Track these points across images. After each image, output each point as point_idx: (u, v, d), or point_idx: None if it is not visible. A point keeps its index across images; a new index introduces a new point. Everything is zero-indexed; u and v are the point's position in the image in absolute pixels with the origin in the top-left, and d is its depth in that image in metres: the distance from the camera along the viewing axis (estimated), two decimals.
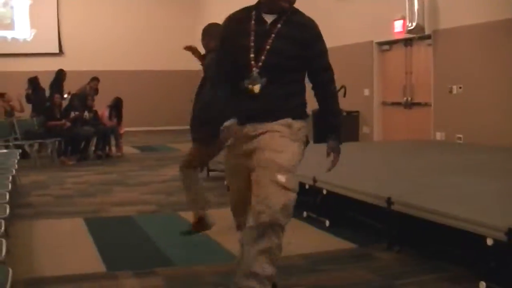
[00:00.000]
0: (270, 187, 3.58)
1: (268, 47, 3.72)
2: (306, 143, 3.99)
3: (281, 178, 3.60)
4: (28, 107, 14.79)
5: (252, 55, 3.74)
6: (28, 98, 14.76)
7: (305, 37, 3.78)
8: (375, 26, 12.90)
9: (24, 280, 4.69)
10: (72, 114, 13.13)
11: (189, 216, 7.15)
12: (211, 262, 5.33)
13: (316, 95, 3.97)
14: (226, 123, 3.85)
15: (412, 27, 11.35)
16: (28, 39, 21.59)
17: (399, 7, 11.84)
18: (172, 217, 7.26)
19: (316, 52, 3.84)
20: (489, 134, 9.92)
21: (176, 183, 9.78)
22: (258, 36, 3.76)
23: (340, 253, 5.56)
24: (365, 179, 6.66)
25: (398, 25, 12.28)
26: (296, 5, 3.87)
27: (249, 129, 3.82)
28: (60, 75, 14.72)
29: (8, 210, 4.62)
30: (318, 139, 13.28)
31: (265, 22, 3.80)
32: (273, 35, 3.74)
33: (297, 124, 3.84)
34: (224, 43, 3.96)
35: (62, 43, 21.88)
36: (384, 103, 13.17)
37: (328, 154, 4.08)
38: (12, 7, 21.39)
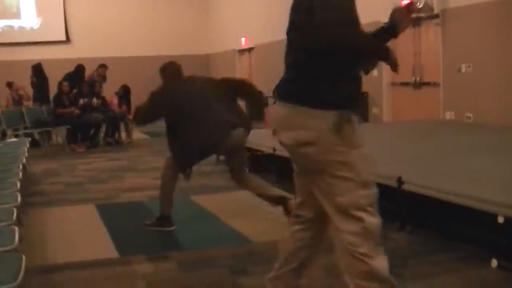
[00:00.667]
0: None
1: None
2: None
3: None
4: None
5: None
6: (33, 86, 14.80)
7: None
8: (382, 6, 12.81)
9: (37, 268, 4.73)
10: (81, 102, 13.15)
11: (200, 201, 7.19)
12: (224, 245, 5.35)
13: None
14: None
15: (420, 6, 11.27)
16: (35, 28, 21.60)
17: None
18: (183, 202, 7.27)
19: None
20: (499, 113, 9.87)
21: None
22: None
23: None
24: (375, 159, 6.63)
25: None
26: None
27: None
28: (81, 70, 14.43)
29: (19, 198, 4.64)
30: None
31: None
32: None
33: None
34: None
35: (69, 30, 21.88)
36: (393, 84, 13.12)
37: None
38: None
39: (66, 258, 5.11)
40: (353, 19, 3.05)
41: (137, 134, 15.02)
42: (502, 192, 4.65)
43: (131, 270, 4.76)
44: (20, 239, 3.52)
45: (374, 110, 13.36)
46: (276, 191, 5.99)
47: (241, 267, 4.70)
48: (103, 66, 14.45)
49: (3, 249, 3.30)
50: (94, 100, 13.44)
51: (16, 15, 21.18)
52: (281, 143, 3.13)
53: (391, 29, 3.35)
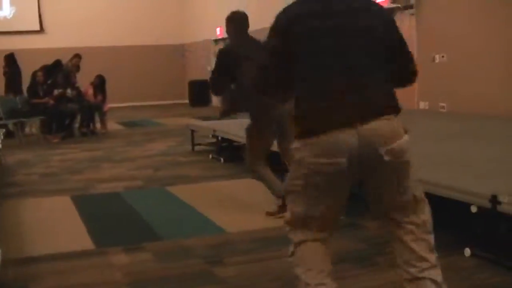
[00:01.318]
0: None
1: None
2: None
3: None
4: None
5: None
6: (6, 76, 14.67)
7: None
8: None
9: (13, 259, 4.70)
10: (55, 92, 13.07)
11: (176, 191, 7.19)
12: (200, 235, 5.36)
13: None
14: None
15: None
16: (8, 17, 21.39)
17: None
18: (160, 192, 7.28)
19: None
20: (472, 103, 9.97)
21: (162, 157, 9.83)
22: None
23: None
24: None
25: None
26: None
27: None
28: (58, 65, 14.19)
29: None
30: None
31: None
32: None
33: None
34: None
35: (43, 20, 21.70)
36: None
37: None
38: None
39: (43, 250, 5.08)
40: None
41: (112, 124, 14.98)
42: (475, 181, 4.71)
43: (107, 261, 4.76)
44: None
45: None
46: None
47: (217, 258, 4.72)
48: (77, 56, 14.33)
49: None
50: (69, 91, 13.35)
51: None
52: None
53: None
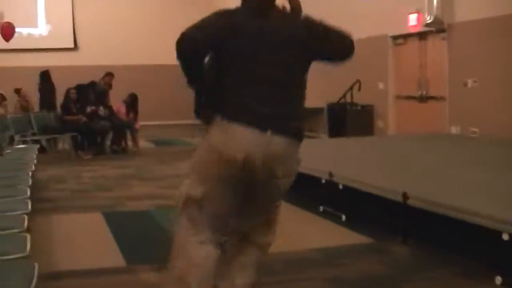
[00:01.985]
0: None
1: None
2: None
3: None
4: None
5: None
6: (40, 92, 14.86)
7: None
8: (389, 20, 12.89)
9: (45, 274, 4.76)
10: (88, 109, 13.22)
11: None
12: None
13: None
14: None
15: (430, 21, 11.32)
16: (44, 34, 21.71)
17: (413, 1, 11.87)
18: None
19: None
20: (505, 128, 9.90)
21: None
22: None
23: (356, 247, 5.60)
24: (381, 173, 6.69)
25: (412, 19, 12.28)
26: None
27: None
28: (93, 86, 14.28)
29: (30, 206, 4.70)
30: (332, 133, 13.38)
31: None
32: None
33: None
34: None
35: (77, 38, 21.98)
36: (399, 97, 13.17)
37: None
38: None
39: (73, 265, 5.15)
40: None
41: (143, 142, 15.07)
42: (507, 209, 4.68)
43: (137, 279, 4.81)
44: (31, 246, 3.57)
45: (379, 123, 13.39)
46: None
47: None
48: (109, 75, 14.46)
49: (16, 256, 3.36)
50: (101, 109, 13.49)
51: (26, 22, 21.22)
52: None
53: None
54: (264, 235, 3.54)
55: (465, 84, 10.88)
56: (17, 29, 18.93)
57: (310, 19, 3.41)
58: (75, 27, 21.94)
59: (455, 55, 11.20)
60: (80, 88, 13.57)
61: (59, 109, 13.72)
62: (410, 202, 5.42)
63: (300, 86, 3.40)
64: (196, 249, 3.35)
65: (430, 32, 11.90)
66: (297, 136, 3.28)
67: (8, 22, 18.40)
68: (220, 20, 3.30)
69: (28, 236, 3.67)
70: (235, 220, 3.41)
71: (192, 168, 3.47)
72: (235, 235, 3.48)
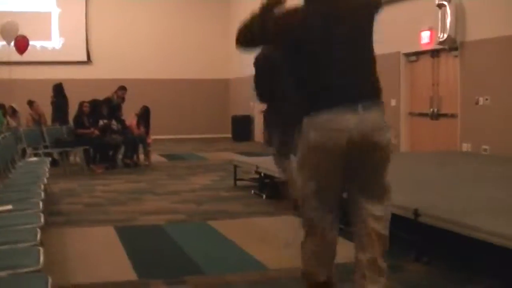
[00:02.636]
0: None
1: None
2: None
3: None
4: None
5: None
6: (53, 105, 14.95)
7: None
8: (402, 37, 12.91)
9: (58, 287, 4.79)
10: (101, 123, 13.28)
11: (218, 226, 7.24)
12: (242, 271, 5.40)
13: None
14: None
15: (443, 39, 11.33)
16: (57, 48, 21.87)
17: (426, 19, 11.88)
18: (202, 226, 7.34)
19: None
20: None
21: (205, 192, 9.89)
22: None
23: None
24: (392, 190, 6.66)
25: (425, 36, 12.29)
26: None
27: None
28: (107, 102, 14.40)
29: (43, 219, 4.72)
30: None
31: None
32: None
33: None
34: None
35: (90, 51, 22.14)
36: (411, 114, 13.18)
37: None
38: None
39: (86, 278, 5.18)
40: None
41: (156, 157, 15.10)
42: None
43: None
44: (44, 260, 3.60)
45: (392, 139, 13.36)
46: None
47: None
48: (122, 88, 14.52)
49: (29, 269, 3.38)
50: (114, 123, 13.54)
51: (40, 35, 21.37)
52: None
53: None
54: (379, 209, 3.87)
55: (477, 102, 10.88)
56: (31, 42, 19.07)
57: None
58: (88, 41, 22.12)
59: (467, 73, 11.20)
60: (94, 103, 13.65)
61: (71, 122, 13.80)
62: (421, 219, 5.42)
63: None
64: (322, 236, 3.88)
65: (443, 50, 11.91)
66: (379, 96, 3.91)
67: (23, 35, 18.52)
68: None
69: (41, 250, 3.69)
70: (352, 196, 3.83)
71: (301, 168, 3.80)
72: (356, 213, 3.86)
